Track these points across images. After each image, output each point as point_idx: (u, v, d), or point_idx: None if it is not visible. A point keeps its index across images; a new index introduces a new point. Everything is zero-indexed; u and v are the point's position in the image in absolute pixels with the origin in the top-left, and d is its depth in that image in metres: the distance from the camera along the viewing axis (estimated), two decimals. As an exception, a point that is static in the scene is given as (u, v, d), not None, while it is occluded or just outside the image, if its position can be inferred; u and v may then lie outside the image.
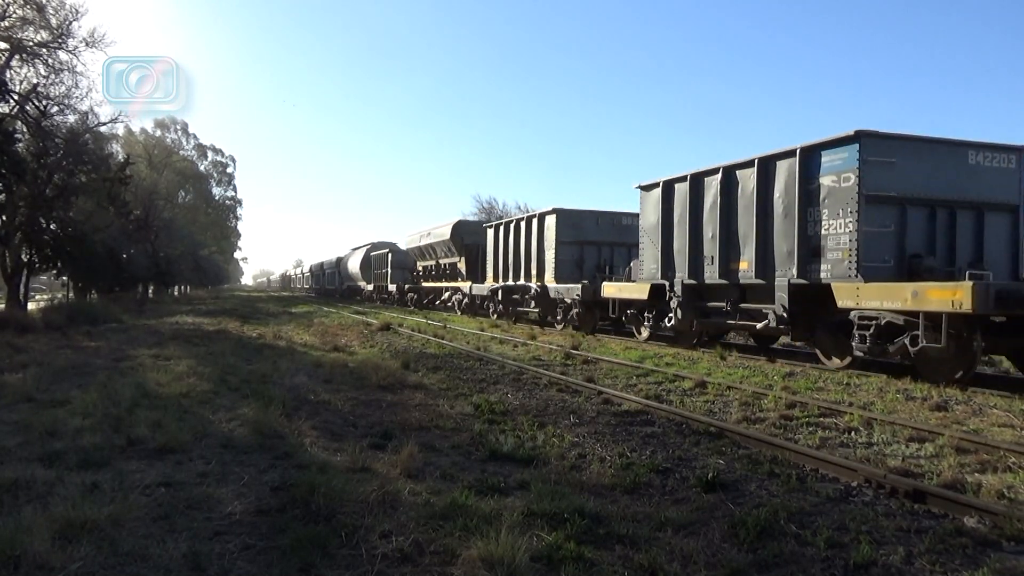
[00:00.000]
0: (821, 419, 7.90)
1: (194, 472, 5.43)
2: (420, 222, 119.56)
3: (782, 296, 12.80)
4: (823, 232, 12.04)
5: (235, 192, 69.48)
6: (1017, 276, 12.02)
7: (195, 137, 59.66)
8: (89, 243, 25.69)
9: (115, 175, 23.60)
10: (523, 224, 24.65)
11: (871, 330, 11.03)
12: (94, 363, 11.97)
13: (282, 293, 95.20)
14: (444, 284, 33.93)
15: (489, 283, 27.45)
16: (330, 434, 6.90)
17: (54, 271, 27.72)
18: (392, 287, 42.52)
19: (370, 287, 48.34)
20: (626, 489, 5.19)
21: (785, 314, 12.78)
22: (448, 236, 32.02)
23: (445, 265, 34.13)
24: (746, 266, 13.81)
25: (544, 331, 21.39)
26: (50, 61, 20.85)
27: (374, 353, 14.52)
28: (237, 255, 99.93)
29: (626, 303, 18.09)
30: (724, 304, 14.56)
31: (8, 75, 20.44)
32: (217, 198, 66.46)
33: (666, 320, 16.26)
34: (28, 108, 20.73)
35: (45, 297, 39.59)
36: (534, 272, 23.65)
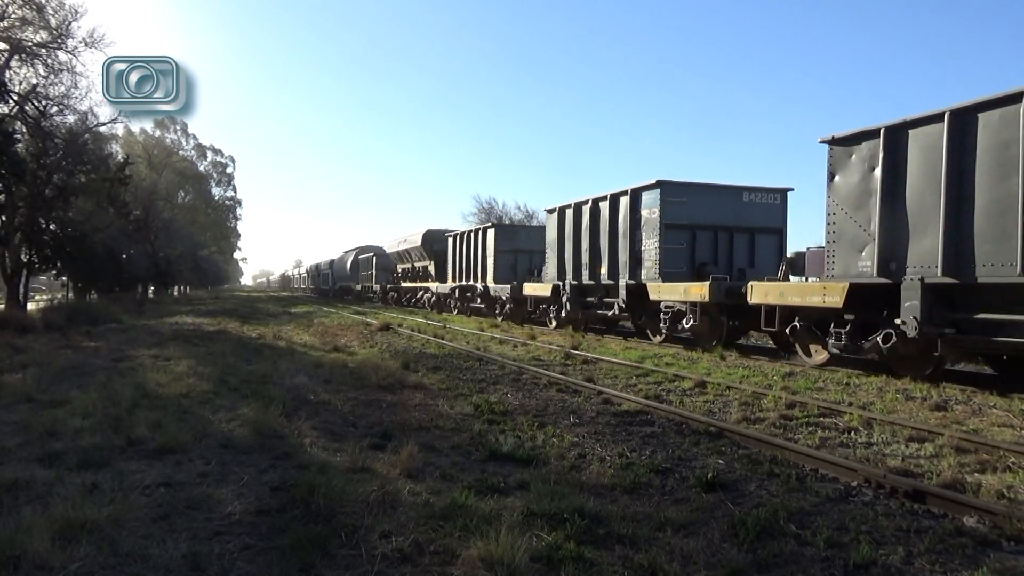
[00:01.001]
0: (821, 419, 7.90)
1: (194, 472, 5.43)
2: (419, 222, 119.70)
3: (623, 292, 18.27)
4: (643, 248, 17.55)
5: (235, 192, 69.64)
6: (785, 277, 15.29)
7: (195, 137, 59.74)
8: (89, 243, 25.72)
9: (115, 175, 23.60)
10: (472, 235, 29.92)
11: (669, 315, 16.49)
12: (94, 363, 11.96)
13: (282, 293, 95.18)
14: (418, 284, 38.61)
15: (450, 284, 32.55)
16: (330, 434, 6.90)
17: (54, 271, 27.73)
18: (376, 287, 47.64)
19: (358, 287, 53.32)
20: (626, 489, 5.19)
21: (624, 305, 18.40)
22: (419, 243, 37.06)
23: (419, 268, 38.89)
24: (605, 271, 19.17)
25: (543, 331, 21.41)
26: (49, 61, 20.89)
27: (374, 353, 14.52)
28: (237, 255, 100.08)
29: (538, 299, 23.64)
30: (595, 299, 20.22)
31: (7, 75, 20.44)
32: (217, 198, 66.58)
33: (562, 312, 21.49)
34: (27, 108, 20.72)
35: (45, 297, 39.64)
36: (479, 275, 28.84)
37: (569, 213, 20.82)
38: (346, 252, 59.80)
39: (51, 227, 24.32)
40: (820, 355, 12.70)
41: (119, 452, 5.97)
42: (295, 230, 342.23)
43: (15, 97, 20.41)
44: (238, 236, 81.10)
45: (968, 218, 9.68)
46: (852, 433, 7.24)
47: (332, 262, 66.32)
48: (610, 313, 19.08)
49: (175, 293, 58.82)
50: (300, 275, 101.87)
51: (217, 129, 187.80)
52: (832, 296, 11.38)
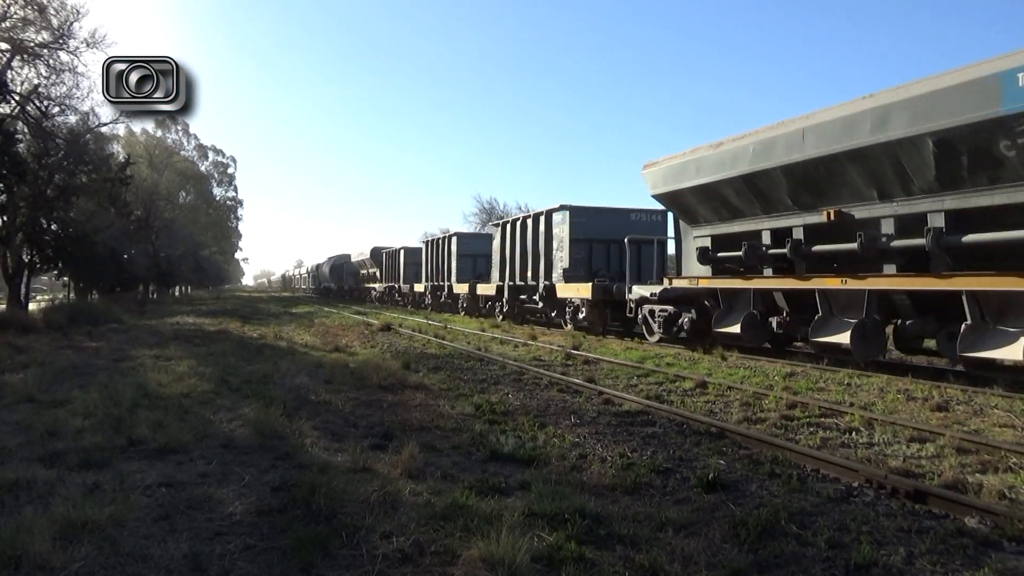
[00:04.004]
0: (822, 419, 7.89)
1: (195, 472, 5.43)
2: (422, 222, 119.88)
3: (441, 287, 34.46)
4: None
5: (236, 192, 69.54)
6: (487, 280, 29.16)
7: (196, 137, 59.56)
8: (90, 243, 25.71)
9: (116, 175, 23.59)
10: (395, 252, 45.84)
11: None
12: (95, 363, 11.97)
13: (283, 293, 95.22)
14: (371, 285, 53.77)
15: (385, 284, 48.42)
16: (331, 434, 6.90)
17: (55, 271, 27.75)
18: (347, 286, 63.23)
19: (335, 287, 67.62)
20: (627, 489, 5.19)
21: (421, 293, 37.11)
22: (369, 255, 53.25)
23: (371, 273, 54.18)
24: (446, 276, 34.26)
25: (546, 331, 21.40)
26: (51, 62, 20.85)
27: (375, 353, 14.52)
28: (238, 255, 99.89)
29: (418, 293, 39.05)
30: (439, 284, 35.75)
31: (9, 76, 20.46)
32: (218, 198, 66.47)
33: (428, 297, 36.62)
34: (29, 109, 20.73)
35: (46, 297, 39.65)
36: (398, 278, 44.31)
37: (431, 245, 37.07)
38: (328, 258, 73.13)
39: (52, 227, 24.33)
40: (499, 317, 26.55)
41: (120, 452, 5.97)
42: (297, 230, 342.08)
43: (17, 97, 20.43)
44: (239, 236, 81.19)
45: (515, 261, 25.09)
46: (853, 433, 7.23)
47: (317, 266, 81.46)
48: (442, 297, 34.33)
49: (176, 293, 58.87)
50: (301, 275, 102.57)
51: (218, 129, 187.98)
52: (491, 290, 27.49)
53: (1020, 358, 9.10)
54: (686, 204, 15.32)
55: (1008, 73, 8.72)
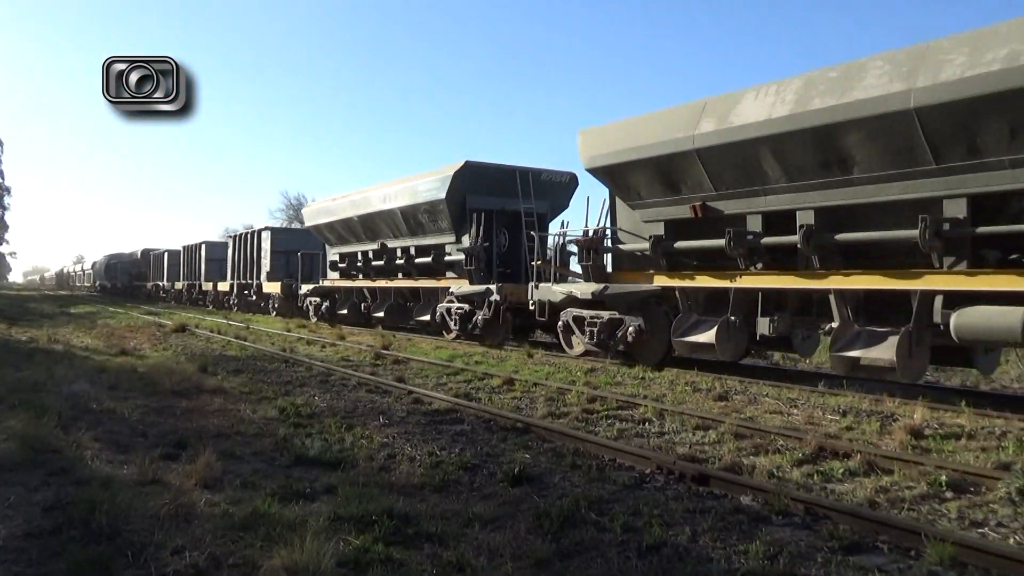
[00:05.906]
0: (619, 412, 8.37)
1: (-54, 495, 4.77)
2: (228, 217, 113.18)
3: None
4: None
5: (2, 179, 62.21)
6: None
7: (-48, 116, 52.60)
8: None
9: None
10: (160, 255, 51.91)
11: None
12: None
13: (59, 292, 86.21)
14: (142, 283, 57.81)
15: (153, 282, 54.02)
16: (115, 445, 6.33)
17: None
18: (120, 284, 65.75)
19: (110, 284, 69.15)
20: (435, 487, 5.21)
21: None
22: (139, 255, 59.15)
23: (144, 271, 57.99)
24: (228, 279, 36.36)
25: (353, 331, 21.03)
26: None
27: (167, 356, 13.52)
28: (3, 249, 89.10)
29: (179, 290, 44.53)
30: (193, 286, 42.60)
31: None
32: (-20, 185, 59.06)
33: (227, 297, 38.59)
34: None
35: None
36: (161, 276, 50.32)
37: (186, 251, 44.09)
38: (105, 256, 75.12)
39: None
40: (233, 308, 32.45)
41: None
42: (85, 224, 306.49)
43: None
44: (6, 228, 72.53)
45: (240, 265, 32.99)
46: (647, 424, 7.73)
47: (94, 264, 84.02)
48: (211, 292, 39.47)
49: (-75, 292, 51.50)
50: (81, 272, 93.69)
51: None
52: (227, 287, 34.82)
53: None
54: (323, 233, 25.09)
55: (418, 184, 18.56)
